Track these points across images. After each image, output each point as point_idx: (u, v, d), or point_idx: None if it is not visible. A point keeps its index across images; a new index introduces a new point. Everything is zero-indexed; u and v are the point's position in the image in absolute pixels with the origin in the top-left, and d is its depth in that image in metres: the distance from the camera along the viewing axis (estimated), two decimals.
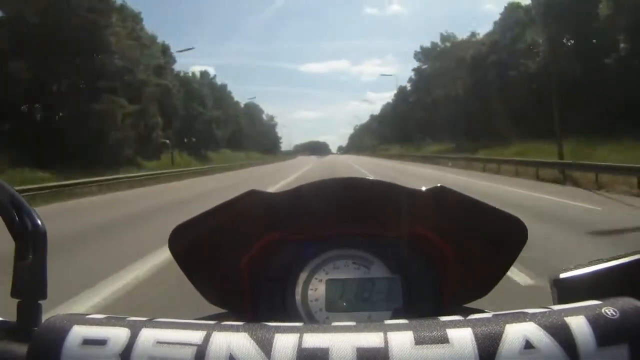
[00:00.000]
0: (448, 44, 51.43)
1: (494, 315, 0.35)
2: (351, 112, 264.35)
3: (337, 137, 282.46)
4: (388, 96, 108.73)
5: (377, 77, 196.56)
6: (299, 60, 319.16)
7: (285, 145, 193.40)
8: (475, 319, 0.34)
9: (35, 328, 0.37)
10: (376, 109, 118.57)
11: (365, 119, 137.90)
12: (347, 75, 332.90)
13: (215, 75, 63.41)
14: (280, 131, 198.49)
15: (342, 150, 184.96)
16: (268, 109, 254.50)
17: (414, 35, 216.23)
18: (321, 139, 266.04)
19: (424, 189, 0.54)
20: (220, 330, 0.34)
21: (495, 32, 37.03)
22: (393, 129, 73.10)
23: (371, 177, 0.57)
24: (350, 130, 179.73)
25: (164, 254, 4.05)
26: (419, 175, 18.90)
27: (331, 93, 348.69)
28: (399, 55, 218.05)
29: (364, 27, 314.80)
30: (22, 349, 0.35)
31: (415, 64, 58.58)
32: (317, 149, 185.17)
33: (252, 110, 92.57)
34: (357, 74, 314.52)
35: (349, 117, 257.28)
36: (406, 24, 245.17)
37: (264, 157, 78.16)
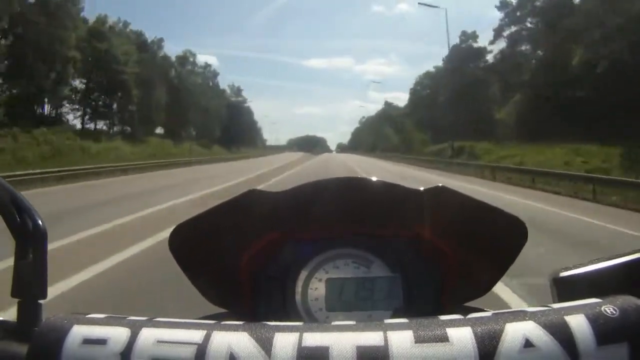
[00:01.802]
0: None
1: (493, 314, 0.34)
2: (352, 110, 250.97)
3: (337, 134, 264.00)
4: (390, 96, 73.96)
5: (380, 77, 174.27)
6: (302, 56, 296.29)
7: (280, 139, 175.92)
8: (475, 317, 0.34)
9: (36, 328, 0.36)
10: (379, 108, 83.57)
11: (368, 116, 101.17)
12: (350, 73, 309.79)
13: None
14: (272, 125, 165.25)
15: (341, 148, 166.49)
16: (268, 104, 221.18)
17: (420, 35, 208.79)
18: (320, 135, 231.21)
19: (422, 189, 0.55)
20: (220, 330, 0.34)
21: None
22: (446, 115, 35.83)
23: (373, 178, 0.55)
24: (352, 128, 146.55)
25: None
26: None
27: (333, 90, 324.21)
28: (402, 56, 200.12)
29: (370, 25, 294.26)
30: (22, 348, 0.35)
31: None
32: (311, 144, 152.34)
33: (199, 74, 54.72)
34: (360, 73, 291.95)
35: (351, 116, 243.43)
36: (413, 24, 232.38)
37: (214, 153, 48.26)
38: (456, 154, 27.44)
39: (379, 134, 66.03)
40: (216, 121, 56.73)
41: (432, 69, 52.44)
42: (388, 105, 75.64)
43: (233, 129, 63.85)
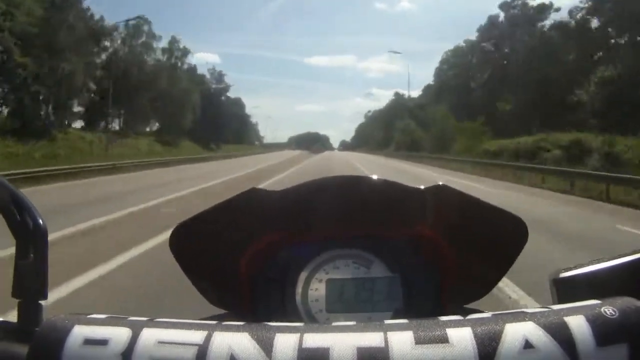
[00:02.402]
0: None
1: (493, 315, 0.35)
2: (355, 106, 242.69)
3: (340, 131, 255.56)
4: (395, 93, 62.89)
5: (383, 74, 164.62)
6: (304, 53, 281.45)
7: (282, 136, 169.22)
8: (475, 318, 0.34)
9: (37, 328, 0.36)
10: (380, 105, 73.62)
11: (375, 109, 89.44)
12: (352, 70, 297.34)
13: None
14: (269, 120, 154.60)
15: (344, 145, 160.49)
16: (270, 101, 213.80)
17: (422, 33, 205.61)
18: (323, 133, 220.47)
19: (422, 187, 0.55)
20: (221, 330, 0.34)
21: None
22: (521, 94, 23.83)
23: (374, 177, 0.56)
24: (355, 125, 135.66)
25: None
26: None
27: (336, 88, 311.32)
28: (405, 53, 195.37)
29: (373, 22, 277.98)
30: (23, 349, 0.35)
31: None
32: (311, 142, 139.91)
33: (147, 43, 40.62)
34: (362, 70, 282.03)
35: (354, 112, 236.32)
36: (415, 22, 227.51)
37: (176, 153, 35.59)
38: (562, 158, 15.57)
39: (391, 127, 53.04)
40: (187, 111, 44.97)
41: (462, 44, 40.40)
42: (399, 96, 63.56)
43: (212, 122, 52.00)
